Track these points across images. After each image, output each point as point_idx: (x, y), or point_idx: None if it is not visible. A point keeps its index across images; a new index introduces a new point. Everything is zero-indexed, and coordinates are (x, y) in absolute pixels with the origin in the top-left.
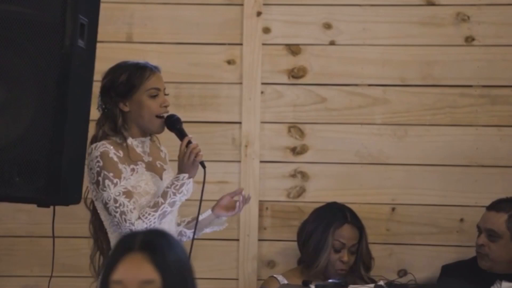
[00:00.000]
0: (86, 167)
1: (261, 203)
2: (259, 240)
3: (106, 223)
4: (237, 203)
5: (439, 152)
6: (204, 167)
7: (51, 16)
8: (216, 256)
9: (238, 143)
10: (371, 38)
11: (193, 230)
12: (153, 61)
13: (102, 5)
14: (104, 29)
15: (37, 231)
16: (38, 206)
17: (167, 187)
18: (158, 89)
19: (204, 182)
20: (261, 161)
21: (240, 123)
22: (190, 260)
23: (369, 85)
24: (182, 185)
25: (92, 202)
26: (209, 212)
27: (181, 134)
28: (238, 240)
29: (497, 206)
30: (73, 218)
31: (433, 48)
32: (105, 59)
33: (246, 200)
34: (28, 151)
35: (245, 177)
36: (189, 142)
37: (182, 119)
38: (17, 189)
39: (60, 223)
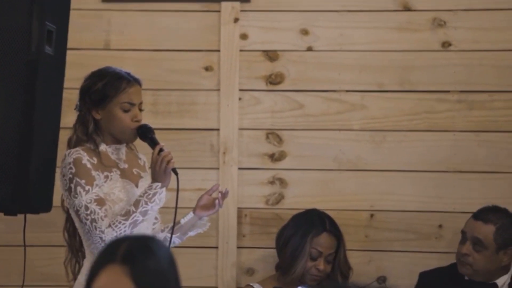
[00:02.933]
0: (60, 174)
1: (239, 210)
2: (238, 247)
3: (80, 231)
4: (216, 200)
5: (417, 158)
6: (176, 174)
7: (17, 22)
8: (195, 264)
9: (216, 150)
10: (348, 43)
11: (177, 235)
12: (130, 68)
13: (79, 12)
14: (81, 36)
15: (14, 240)
16: (5, 214)
17: (140, 196)
18: (132, 104)
19: (178, 189)
20: (239, 168)
21: (218, 129)
22: (175, 267)
23: (347, 91)
24: (154, 194)
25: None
26: (191, 214)
27: (153, 143)
28: (217, 247)
29: (484, 217)
30: (51, 226)
31: (410, 54)
32: (83, 66)
33: (224, 194)
34: None
35: (224, 184)
36: (161, 150)
37: (160, 126)
38: None
39: (38, 232)
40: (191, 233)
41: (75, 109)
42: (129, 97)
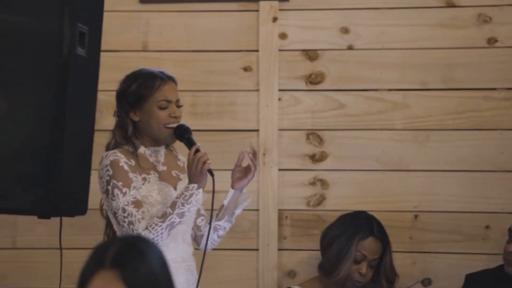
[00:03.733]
0: (97, 176)
1: (280, 212)
2: (279, 249)
3: (119, 233)
4: (250, 163)
5: (463, 158)
6: (212, 175)
7: (49, 25)
8: (235, 266)
9: (256, 151)
10: (389, 41)
11: (225, 219)
12: (168, 70)
13: (116, 14)
14: (119, 38)
15: (54, 243)
16: (38, 217)
17: (177, 198)
18: (169, 101)
19: (213, 190)
20: (279, 169)
21: (257, 130)
22: (167, 268)
23: (389, 89)
24: (191, 195)
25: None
26: (231, 191)
27: (190, 143)
28: (257, 250)
29: None
30: (92, 229)
31: (454, 51)
32: (121, 68)
33: (254, 155)
34: (26, 162)
35: (264, 185)
36: (197, 150)
37: (199, 127)
38: (16, 201)
39: (78, 235)
40: (238, 211)
41: (113, 115)
42: (165, 95)
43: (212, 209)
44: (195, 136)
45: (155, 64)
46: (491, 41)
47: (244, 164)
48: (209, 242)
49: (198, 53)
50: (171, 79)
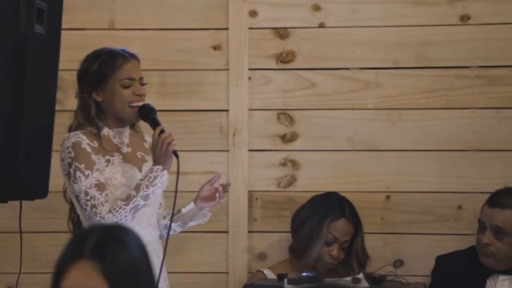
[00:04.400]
0: (59, 158)
1: (250, 193)
2: (249, 231)
3: (82, 217)
4: (217, 193)
5: (435, 137)
6: (177, 156)
7: (5, 1)
8: (205, 249)
9: (226, 132)
10: (361, 19)
11: (178, 223)
12: (136, 49)
13: None
14: (86, 16)
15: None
16: None
17: (141, 180)
18: (132, 79)
19: (178, 172)
20: (249, 150)
21: (227, 110)
22: (147, 256)
23: (361, 68)
24: (155, 177)
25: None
26: (192, 205)
27: (154, 124)
28: (227, 232)
29: (501, 202)
30: (58, 212)
31: (426, 28)
32: (88, 47)
33: (225, 187)
34: None
35: (234, 166)
36: (162, 131)
37: (167, 107)
38: None
39: (45, 217)
40: (192, 223)
41: (75, 97)
42: (128, 73)
43: (176, 192)
44: (163, 117)
45: (122, 42)
46: (464, 19)
47: (216, 185)
48: (168, 235)
49: (166, 31)
50: (133, 56)
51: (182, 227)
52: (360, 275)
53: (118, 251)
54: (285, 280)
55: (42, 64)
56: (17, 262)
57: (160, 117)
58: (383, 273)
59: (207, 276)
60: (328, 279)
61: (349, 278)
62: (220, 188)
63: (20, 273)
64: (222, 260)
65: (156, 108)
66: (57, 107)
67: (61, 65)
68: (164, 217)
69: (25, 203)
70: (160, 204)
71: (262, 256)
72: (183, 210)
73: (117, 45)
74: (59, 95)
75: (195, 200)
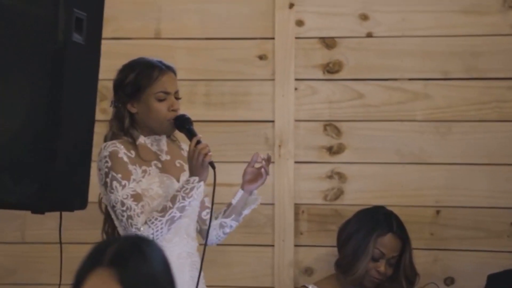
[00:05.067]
0: (96, 168)
1: (296, 206)
2: (295, 245)
3: (119, 228)
4: (262, 169)
5: (486, 150)
6: (213, 167)
7: (44, 10)
8: (250, 263)
9: (271, 143)
10: (410, 29)
11: (232, 217)
12: (181, 58)
13: (128, 0)
14: (131, 25)
15: (65, 237)
16: (32, 212)
17: (177, 191)
18: (167, 93)
19: (214, 184)
20: (295, 162)
21: (273, 121)
22: (169, 271)
23: (409, 79)
24: (192, 188)
25: (106, 206)
26: (240, 192)
27: (191, 134)
28: (273, 245)
29: None
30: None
31: (477, 38)
32: (133, 56)
33: (267, 161)
34: (20, 154)
35: (279, 178)
36: (198, 142)
37: (212, 118)
38: (8, 194)
39: (86, 228)
40: (246, 212)
41: (110, 105)
42: (163, 86)
43: (212, 204)
44: (208, 127)
45: (168, 52)
46: None
47: (257, 165)
48: (214, 238)
49: (212, 41)
50: (170, 69)
51: (237, 220)
52: None
53: (139, 261)
54: None
55: (81, 74)
56: (58, 274)
57: (205, 127)
58: None
59: None
60: None
61: None
62: (264, 163)
63: (60, 284)
64: (268, 274)
65: (202, 118)
66: (102, 117)
67: (106, 75)
68: (216, 218)
69: (67, 214)
70: (208, 208)
71: (308, 271)
72: (233, 201)
73: (162, 54)
74: (104, 104)
75: (242, 186)
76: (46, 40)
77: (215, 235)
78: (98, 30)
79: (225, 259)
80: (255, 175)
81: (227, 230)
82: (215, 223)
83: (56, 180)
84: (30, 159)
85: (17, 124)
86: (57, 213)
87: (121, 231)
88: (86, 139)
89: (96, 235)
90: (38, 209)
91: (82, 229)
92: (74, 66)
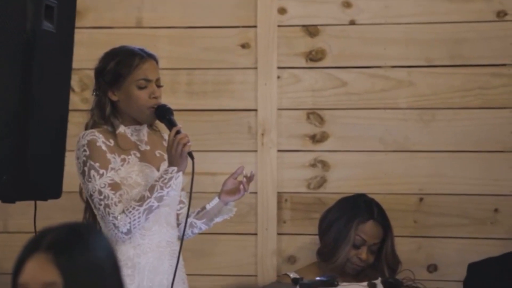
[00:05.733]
0: (74, 157)
1: (279, 194)
2: (278, 234)
3: (98, 218)
4: (241, 185)
5: (470, 137)
6: (192, 158)
7: None
8: (233, 252)
9: (254, 132)
10: (394, 16)
11: (203, 221)
12: (163, 47)
13: None
14: (112, 14)
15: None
16: (3, 201)
17: (156, 181)
18: (148, 80)
19: (193, 174)
20: (278, 150)
21: (255, 110)
22: (114, 260)
23: (393, 66)
24: (170, 178)
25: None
26: (216, 200)
27: (170, 124)
28: (256, 234)
29: None
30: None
31: (461, 25)
32: (114, 45)
33: (249, 178)
34: None
35: (262, 167)
36: (178, 132)
37: (195, 107)
38: None
39: (69, 218)
40: (218, 219)
41: (92, 94)
42: (144, 73)
43: (190, 194)
44: (191, 116)
45: (150, 41)
46: (501, 15)
47: (240, 178)
48: (184, 236)
49: (194, 30)
50: (151, 57)
51: (207, 224)
52: (378, 280)
53: (78, 247)
54: (297, 285)
55: (53, 63)
56: None
57: (188, 116)
58: (401, 278)
59: (235, 279)
60: (344, 283)
61: (365, 283)
62: (244, 180)
63: None
64: (251, 263)
65: (184, 107)
66: (84, 106)
67: (87, 64)
68: (189, 216)
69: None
70: (183, 203)
71: (291, 259)
72: (208, 206)
73: (144, 43)
74: (86, 94)
75: (219, 195)
76: (15, 29)
77: (184, 235)
78: (71, 18)
79: (208, 248)
80: (235, 187)
81: (196, 231)
82: (185, 216)
83: (27, 170)
84: (1, 150)
85: None
86: (43, 203)
87: (99, 220)
88: (59, 128)
89: None
90: (8, 198)
91: (65, 219)
92: (44, 55)
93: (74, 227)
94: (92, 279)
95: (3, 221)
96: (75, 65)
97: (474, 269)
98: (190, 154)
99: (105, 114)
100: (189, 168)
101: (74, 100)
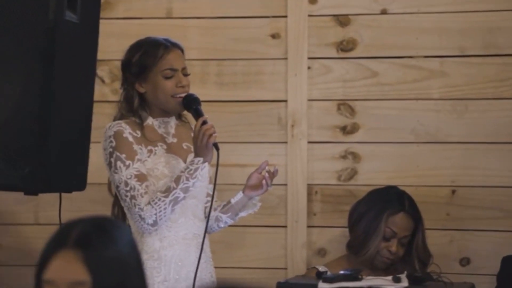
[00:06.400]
0: (102, 148)
1: (310, 186)
2: (308, 226)
3: (125, 209)
4: (264, 180)
5: (504, 129)
6: (217, 149)
7: None
8: (263, 244)
9: (284, 123)
10: (426, 5)
11: (228, 215)
12: (193, 38)
13: None
14: (142, 5)
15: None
16: (25, 194)
17: (181, 172)
18: (174, 70)
19: (217, 166)
20: (309, 142)
21: (286, 101)
22: (137, 254)
23: (425, 56)
24: (196, 169)
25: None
26: (240, 194)
27: (197, 114)
28: (285, 226)
29: None
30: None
31: (495, 14)
32: (144, 36)
33: (273, 173)
34: (13, 136)
35: (292, 159)
36: (204, 122)
37: (224, 98)
38: (2, 177)
39: (100, 210)
40: (242, 214)
41: (120, 88)
42: (169, 63)
43: (214, 185)
44: (220, 107)
45: (180, 31)
46: None
47: (264, 173)
48: (209, 229)
49: (224, 20)
50: (176, 46)
51: (233, 219)
52: (403, 274)
53: (104, 242)
54: (321, 279)
55: (77, 53)
56: None
57: (217, 107)
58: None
59: (264, 272)
60: (369, 277)
61: (389, 277)
62: (267, 175)
63: None
64: (281, 255)
65: (213, 98)
66: (114, 97)
67: (117, 55)
68: (215, 209)
69: (81, 196)
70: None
71: (321, 252)
72: (233, 201)
73: (174, 34)
74: (116, 85)
75: (243, 190)
76: (37, 19)
77: (210, 225)
78: (96, 8)
79: (238, 241)
80: (259, 182)
81: (221, 224)
82: (212, 214)
83: (50, 162)
84: (22, 141)
85: (10, 106)
86: (73, 195)
87: (126, 212)
88: (84, 120)
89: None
90: (31, 191)
91: (95, 211)
92: (67, 46)
93: (99, 221)
94: (118, 275)
95: (34, 213)
96: (105, 56)
97: (508, 262)
98: (215, 145)
99: (133, 107)
100: (214, 160)
101: (104, 91)
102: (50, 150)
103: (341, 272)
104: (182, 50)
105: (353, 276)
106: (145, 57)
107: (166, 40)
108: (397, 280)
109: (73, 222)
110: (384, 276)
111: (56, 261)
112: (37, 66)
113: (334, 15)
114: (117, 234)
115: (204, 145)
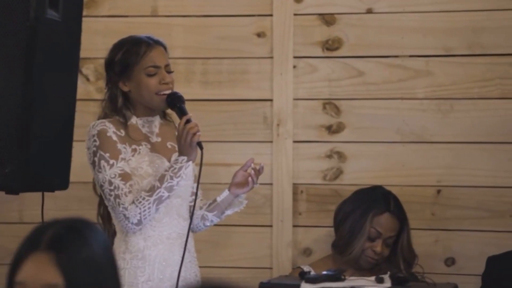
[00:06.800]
0: (85, 147)
1: (295, 186)
2: (294, 226)
3: (109, 208)
4: (249, 178)
5: (489, 128)
6: (201, 148)
7: None
8: (248, 244)
9: (270, 122)
10: (411, 4)
11: (214, 213)
12: (178, 36)
13: None
14: (127, 3)
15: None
16: (6, 193)
17: (165, 170)
18: (157, 67)
19: (201, 165)
20: (294, 141)
21: (271, 100)
22: (111, 255)
23: (410, 56)
24: (180, 168)
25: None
26: (226, 192)
27: (181, 113)
28: (271, 226)
29: None
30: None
31: (480, 13)
32: (128, 34)
33: (258, 171)
34: None
35: (278, 158)
36: (188, 121)
37: (210, 97)
38: None
39: (86, 209)
40: (228, 212)
41: (104, 88)
42: (152, 60)
43: (198, 184)
44: (205, 106)
45: (165, 30)
46: None
47: (249, 170)
48: (195, 227)
49: (209, 18)
50: (158, 43)
51: (219, 217)
52: (386, 275)
53: (78, 244)
54: (303, 280)
55: (58, 51)
56: None
57: (202, 106)
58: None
59: (250, 272)
60: (351, 278)
61: (372, 278)
62: (253, 172)
63: None
64: (266, 255)
65: (199, 97)
66: (99, 96)
67: (102, 53)
68: (201, 208)
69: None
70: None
71: (307, 252)
72: (218, 199)
73: (159, 32)
74: (101, 83)
75: (229, 188)
76: (18, 18)
77: (196, 224)
78: (78, 7)
79: (223, 240)
80: (244, 180)
81: (207, 223)
82: (198, 213)
83: (31, 161)
84: (3, 140)
85: None
86: (59, 194)
87: (110, 211)
88: (66, 118)
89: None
90: (12, 190)
91: (82, 210)
92: (49, 44)
93: (72, 223)
94: (92, 277)
95: (19, 212)
96: (90, 54)
97: (493, 262)
98: (199, 144)
99: (117, 106)
100: (199, 159)
101: (89, 90)
102: (31, 149)
103: (324, 272)
104: (165, 47)
105: (336, 277)
106: (128, 55)
107: (148, 37)
108: (380, 280)
109: (46, 224)
110: (368, 276)
111: (29, 263)
112: (18, 65)
113: (319, 14)
114: (90, 236)
115: (188, 144)
